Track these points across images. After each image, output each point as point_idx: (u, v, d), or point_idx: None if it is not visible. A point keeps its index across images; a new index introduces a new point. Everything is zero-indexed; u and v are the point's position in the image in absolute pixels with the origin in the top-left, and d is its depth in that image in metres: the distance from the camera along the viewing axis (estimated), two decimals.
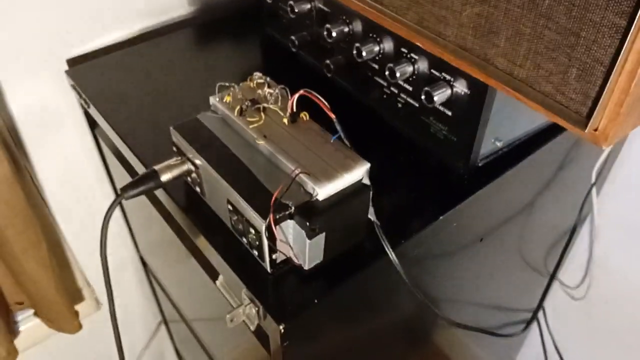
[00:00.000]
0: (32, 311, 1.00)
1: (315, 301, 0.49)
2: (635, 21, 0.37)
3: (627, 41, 0.38)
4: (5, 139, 0.82)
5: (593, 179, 0.82)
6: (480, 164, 0.61)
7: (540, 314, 1.24)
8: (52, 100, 0.86)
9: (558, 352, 1.25)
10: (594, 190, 0.84)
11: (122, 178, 0.80)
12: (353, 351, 0.63)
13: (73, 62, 0.84)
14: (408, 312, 0.65)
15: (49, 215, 0.95)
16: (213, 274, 0.60)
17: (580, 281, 1.14)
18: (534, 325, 1.27)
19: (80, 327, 1.01)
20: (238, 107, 0.54)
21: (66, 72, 0.79)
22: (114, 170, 0.91)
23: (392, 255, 0.52)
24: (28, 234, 0.80)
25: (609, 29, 0.39)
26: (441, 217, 0.56)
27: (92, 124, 0.85)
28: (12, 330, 0.98)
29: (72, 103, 0.88)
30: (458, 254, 0.68)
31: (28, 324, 1.02)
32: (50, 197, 0.94)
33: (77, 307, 1.04)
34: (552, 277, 0.95)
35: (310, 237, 0.46)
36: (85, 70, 0.80)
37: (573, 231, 0.94)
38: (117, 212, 1.04)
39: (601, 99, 0.41)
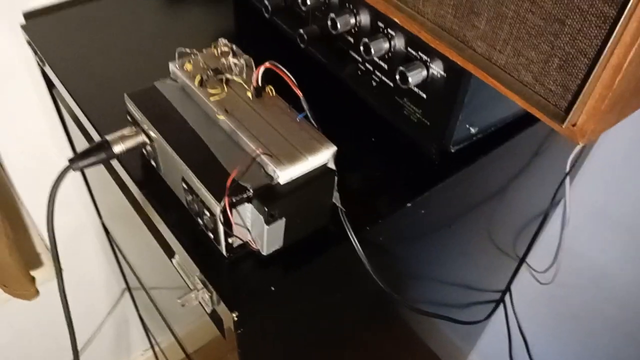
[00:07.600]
0: None
1: (272, 288, 0.47)
2: (625, 11, 0.34)
3: (615, 33, 0.35)
4: None
5: (568, 168, 0.80)
6: (453, 150, 0.58)
7: (506, 298, 1.25)
8: (7, 56, 0.80)
9: (522, 335, 1.27)
10: (567, 178, 0.83)
11: (82, 141, 0.76)
12: (314, 336, 0.61)
13: (30, 15, 0.78)
14: (371, 297, 0.63)
15: (4, 177, 0.90)
16: (169, 252, 0.57)
17: (548, 266, 1.14)
18: (500, 307, 1.28)
19: (36, 293, 0.97)
20: (199, 77, 0.50)
21: (22, 26, 0.73)
22: (73, 133, 0.86)
23: (355, 243, 0.49)
24: None
25: (596, 18, 0.36)
26: (408, 205, 0.54)
27: (50, 84, 0.80)
28: None
29: (30, 59, 0.82)
30: (425, 239, 0.66)
31: None
32: (5, 160, 0.90)
33: (36, 273, 1.00)
34: (521, 261, 0.94)
35: (268, 222, 0.44)
36: (44, 25, 0.74)
37: (545, 217, 0.93)
38: (77, 175, 0.99)
39: (582, 93, 0.38)
